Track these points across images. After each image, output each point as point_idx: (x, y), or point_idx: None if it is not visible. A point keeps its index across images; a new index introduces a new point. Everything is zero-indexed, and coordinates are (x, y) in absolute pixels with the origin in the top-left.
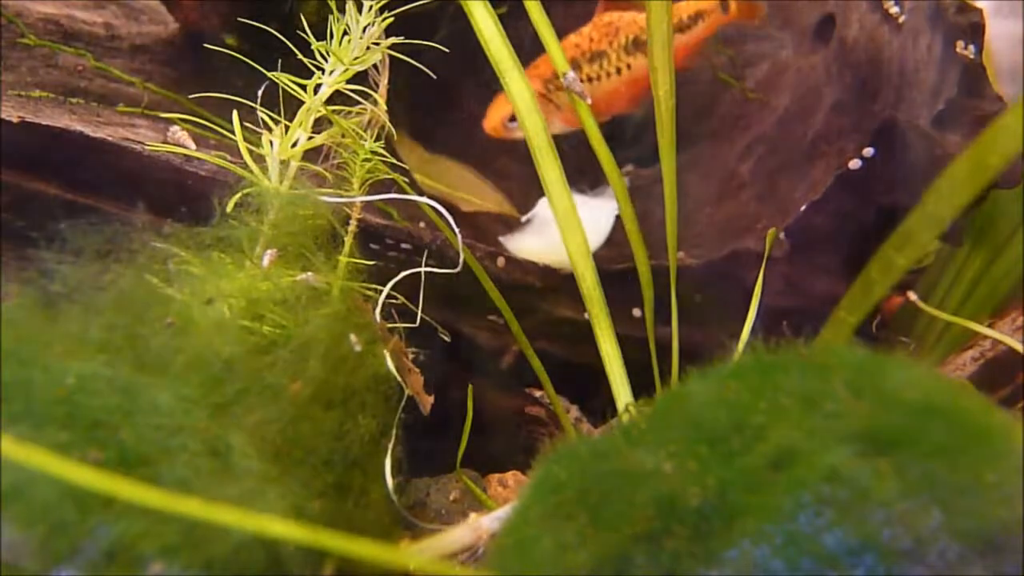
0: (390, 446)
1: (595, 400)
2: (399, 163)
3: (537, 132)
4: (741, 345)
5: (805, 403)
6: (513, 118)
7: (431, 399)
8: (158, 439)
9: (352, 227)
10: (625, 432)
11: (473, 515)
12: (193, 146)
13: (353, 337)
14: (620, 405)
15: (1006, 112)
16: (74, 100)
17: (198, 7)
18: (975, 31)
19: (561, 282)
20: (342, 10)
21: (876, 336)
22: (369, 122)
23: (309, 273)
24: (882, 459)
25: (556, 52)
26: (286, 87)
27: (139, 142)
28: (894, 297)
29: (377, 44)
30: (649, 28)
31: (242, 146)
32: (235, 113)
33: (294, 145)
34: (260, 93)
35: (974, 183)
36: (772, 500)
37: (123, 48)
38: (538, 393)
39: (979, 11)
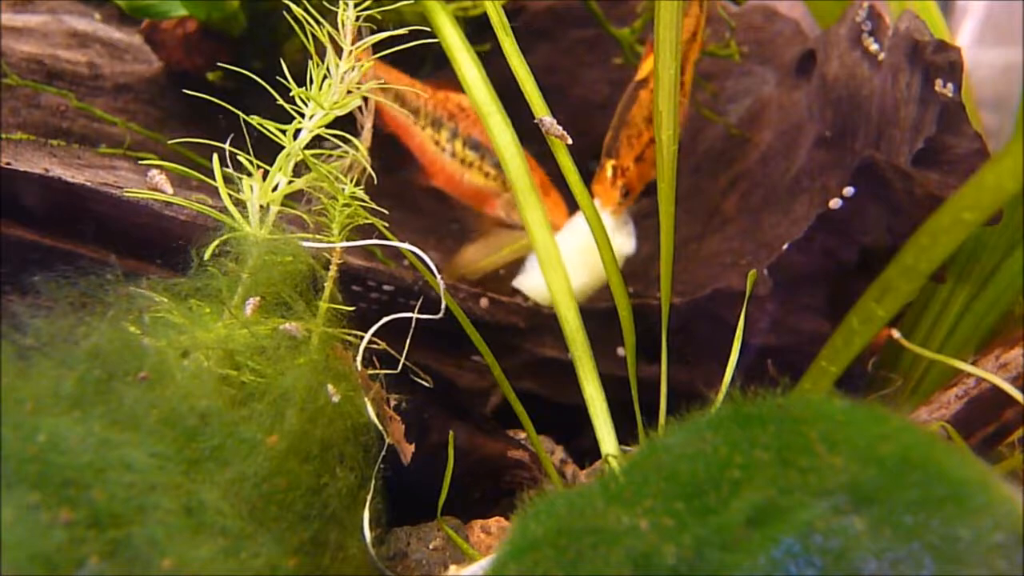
0: (368, 498)
1: (583, 439)
2: (378, 207)
3: (520, 175)
4: (722, 391)
5: (781, 458)
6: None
7: (412, 448)
8: (131, 497)
9: (333, 272)
10: (603, 486)
11: (453, 567)
12: (170, 190)
13: (331, 388)
14: (603, 449)
15: (983, 169)
16: (55, 142)
17: (182, 46)
18: (953, 69)
19: (545, 322)
20: (322, 54)
21: (867, 373)
22: (350, 166)
23: (289, 324)
24: (857, 516)
25: (535, 95)
26: (266, 132)
27: (118, 186)
28: (882, 330)
29: (359, 87)
30: (656, 72)
31: (222, 191)
32: (215, 157)
33: (274, 189)
34: (244, 134)
35: (952, 238)
36: (747, 558)
37: (106, 87)
38: (522, 435)
39: (957, 50)
